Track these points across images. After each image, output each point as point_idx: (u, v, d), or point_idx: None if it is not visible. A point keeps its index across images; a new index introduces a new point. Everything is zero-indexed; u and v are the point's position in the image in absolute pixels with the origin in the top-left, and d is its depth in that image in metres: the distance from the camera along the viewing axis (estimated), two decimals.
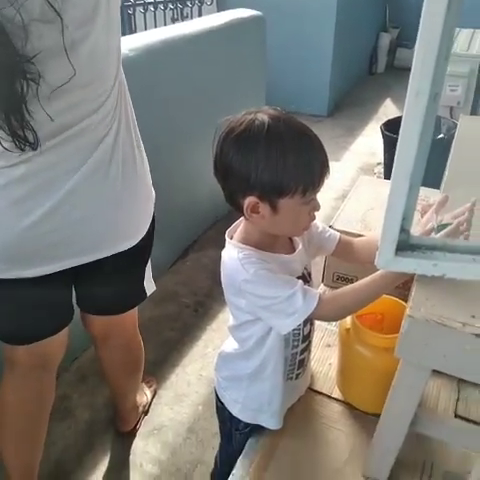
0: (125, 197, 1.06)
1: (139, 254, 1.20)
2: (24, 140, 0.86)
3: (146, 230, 1.15)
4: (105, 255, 1.07)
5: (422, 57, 0.46)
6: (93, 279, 1.15)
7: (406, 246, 0.55)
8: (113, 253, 1.08)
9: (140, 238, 1.12)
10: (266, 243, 0.90)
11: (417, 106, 0.46)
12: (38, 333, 1.14)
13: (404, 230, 0.54)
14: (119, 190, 1.03)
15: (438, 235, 0.78)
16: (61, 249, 1.02)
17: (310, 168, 0.81)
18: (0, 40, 0.77)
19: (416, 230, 0.83)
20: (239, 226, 0.95)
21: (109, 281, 1.17)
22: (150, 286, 1.30)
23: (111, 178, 1.01)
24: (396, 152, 0.48)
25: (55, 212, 0.97)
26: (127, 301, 1.30)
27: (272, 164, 0.79)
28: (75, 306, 1.24)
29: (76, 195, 0.97)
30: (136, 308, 1.34)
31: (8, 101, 0.83)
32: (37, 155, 0.91)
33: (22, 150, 0.87)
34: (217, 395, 1.12)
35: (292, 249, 0.96)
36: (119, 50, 1.00)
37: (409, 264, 0.55)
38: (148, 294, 1.31)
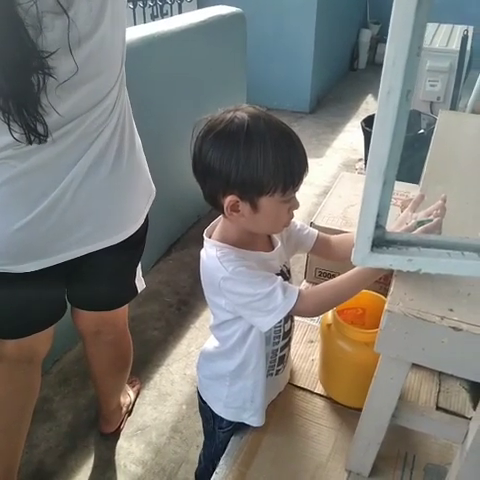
0: (121, 189, 1.06)
1: (133, 249, 1.20)
2: (35, 132, 0.87)
3: (140, 224, 1.14)
4: (101, 247, 1.06)
5: (393, 55, 0.46)
6: (86, 274, 1.15)
7: (382, 242, 0.55)
8: (109, 245, 1.07)
9: (135, 230, 1.12)
10: (245, 241, 0.90)
11: (389, 104, 0.46)
12: (29, 328, 1.14)
13: (379, 226, 0.54)
14: (115, 182, 1.03)
15: (416, 231, 0.79)
16: (59, 242, 1.01)
17: (290, 167, 0.81)
18: (20, 35, 0.78)
19: (393, 227, 0.84)
20: (217, 225, 0.95)
21: (102, 277, 1.17)
22: (140, 284, 1.31)
23: (108, 170, 1.01)
24: (369, 150, 0.48)
25: (57, 204, 0.97)
26: (120, 297, 1.30)
27: (252, 163, 0.79)
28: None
29: (76, 186, 0.98)
30: (127, 305, 1.34)
31: (23, 94, 0.83)
32: (41, 147, 0.91)
33: (30, 143, 0.88)
34: (199, 394, 1.12)
35: (271, 247, 0.97)
36: (124, 44, 1.01)
37: (385, 260, 0.55)
38: (139, 291, 1.31)
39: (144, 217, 1.16)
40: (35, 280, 1.03)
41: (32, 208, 0.95)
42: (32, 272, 1.01)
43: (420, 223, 0.81)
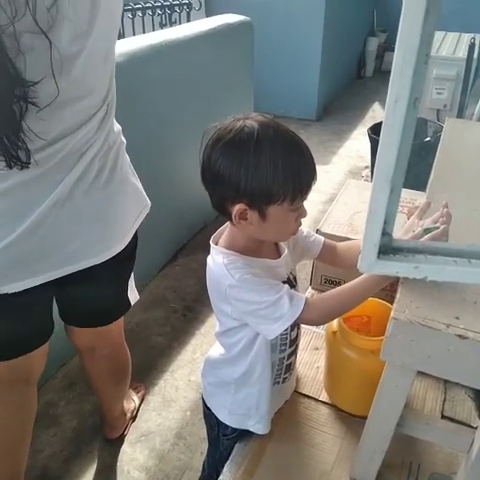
0: (105, 207, 1.03)
1: (122, 265, 1.17)
2: (16, 159, 0.84)
3: (128, 240, 1.11)
4: (87, 265, 1.04)
5: (401, 63, 0.46)
6: (76, 292, 1.13)
7: (388, 249, 0.55)
8: (96, 263, 1.05)
9: (122, 248, 1.09)
10: (252, 248, 0.90)
11: (396, 112, 0.46)
12: (20, 349, 1.12)
13: (386, 233, 0.54)
14: (99, 200, 1.01)
15: (424, 238, 0.79)
16: (43, 262, 0.99)
17: (299, 176, 0.81)
18: (2, 60, 0.74)
19: (399, 235, 0.84)
20: (224, 232, 0.95)
21: (93, 292, 1.15)
22: (133, 296, 1.29)
23: (91, 189, 0.99)
24: (377, 157, 0.49)
25: (40, 224, 0.94)
26: (112, 312, 1.28)
27: (262, 172, 0.78)
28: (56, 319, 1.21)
29: (59, 207, 0.95)
30: (122, 318, 1.33)
31: (4, 123, 0.80)
32: (23, 169, 0.88)
33: (10, 168, 0.85)
34: (204, 401, 1.11)
35: (278, 254, 0.97)
36: (113, 64, 0.97)
37: (391, 267, 0.55)
38: (132, 304, 1.29)
39: (132, 234, 1.13)
40: (21, 300, 1.01)
41: (14, 228, 0.92)
42: (17, 292, 0.99)
43: (427, 231, 0.81)
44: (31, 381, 1.22)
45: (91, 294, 1.15)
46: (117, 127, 1.07)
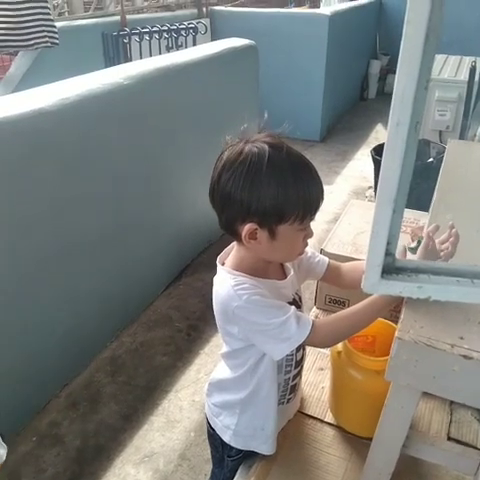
0: None
1: None
2: None
3: None
4: None
5: (402, 89, 0.48)
6: None
7: (391, 269, 0.56)
8: None
9: None
10: (259, 269, 0.91)
11: (398, 135, 0.48)
12: None
13: (389, 254, 0.55)
14: None
15: (417, 256, 0.79)
16: None
17: (310, 196, 0.83)
18: None
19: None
20: (230, 252, 0.95)
21: None
22: None
23: None
24: (379, 179, 0.50)
25: None
26: None
27: (273, 193, 0.80)
28: None
29: None
30: None
31: None
32: None
33: None
34: (208, 421, 1.11)
35: (283, 275, 0.97)
36: None
37: (394, 287, 0.56)
38: None
39: None
40: None
41: None
42: None
43: (412, 249, 0.82)
44: None
45: None
46: None
